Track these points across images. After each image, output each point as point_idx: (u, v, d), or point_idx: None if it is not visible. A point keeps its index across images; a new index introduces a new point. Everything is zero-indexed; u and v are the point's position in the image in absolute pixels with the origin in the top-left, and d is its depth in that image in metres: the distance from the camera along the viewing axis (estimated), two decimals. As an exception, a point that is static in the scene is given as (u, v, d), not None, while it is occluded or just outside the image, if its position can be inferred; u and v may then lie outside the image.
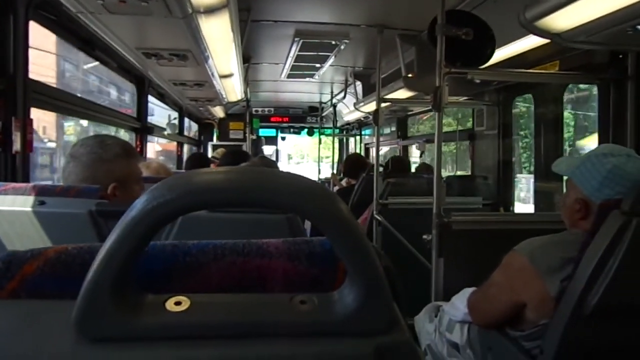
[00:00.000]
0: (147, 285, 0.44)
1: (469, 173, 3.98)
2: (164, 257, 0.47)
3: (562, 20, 1.74)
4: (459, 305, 1.67)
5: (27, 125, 1.86)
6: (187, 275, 0.46)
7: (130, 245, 0.39)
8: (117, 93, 5.43)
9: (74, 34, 2.45)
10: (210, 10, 1.93)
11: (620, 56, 2.21)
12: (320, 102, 7.08)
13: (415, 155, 6.14)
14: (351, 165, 4.37)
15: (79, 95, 2.66)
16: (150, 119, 3.97)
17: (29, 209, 1.16)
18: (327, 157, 8.49)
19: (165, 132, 4.66)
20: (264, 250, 0.48)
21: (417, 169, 4.54)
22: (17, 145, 1.81)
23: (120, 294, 0.40)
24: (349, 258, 0.41)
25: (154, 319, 0.40)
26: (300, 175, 0.43)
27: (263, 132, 8.28)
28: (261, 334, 0.41)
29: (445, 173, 4.65)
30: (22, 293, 0.45)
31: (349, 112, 6.63)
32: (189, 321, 0.40)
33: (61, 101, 2.35)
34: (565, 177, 1.57)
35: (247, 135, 6.37)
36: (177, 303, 0.41)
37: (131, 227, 0.38)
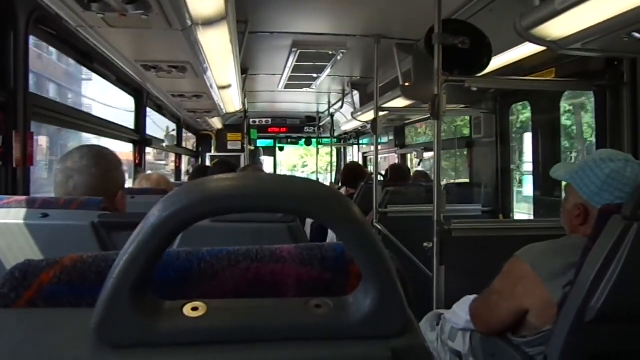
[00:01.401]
0: (164, 292, 0.45)
1: (467, 180, 3.99)
2: (179, 264, 0.47)
3: (557, 27, 1.76)
4: (460, 313, 1.66)
5: (27, 139, 1.86)
6: (202, 282, 0.47)
7: (149, 251, 0.39)
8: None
9: (74, 48, 2.46)
10: (209, 23, 1.94)
11: (616, 63, 2.24)
12: (318, 112, 7.11)
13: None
14: (349, 174, 4.37)
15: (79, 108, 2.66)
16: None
17: (32, 221, 1.16)
18: (306, 165, 8.53)
19: (164, 144, 4.67)
20: (277, 255, 0.48)
21: (412, 177, 4.56)
22: (17, 159, 1.82)
23: (139, 300, 0.40)
24: (364, 262, 0.42)
25: (173, 324, 0.41)
26: (314, 181, 0.44)
27: (261, 143, 8.30)
28: (278, 338, 0.41)
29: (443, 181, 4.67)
30: (39, 302, 0.45)
31: (346, 121, 6.66)
32: (206, 326, 0.41)
33: (61, 114, 2.36)
34: (564, 183, 1.58)
35: (245, 146, 6.38)
36: (194, 309, 0.42)
37: (151, 234, 0.39)
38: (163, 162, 6.91)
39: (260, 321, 0.41)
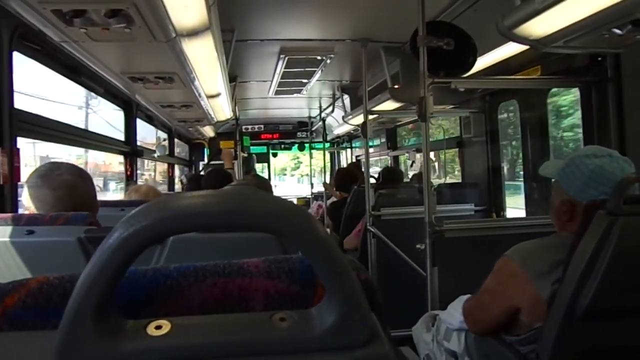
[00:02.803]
0: (129, 311, 0.45)
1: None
2: (145, 282, 0.47)
3: (539, 26, 1.77)
4: (455, 313, 1.67)
5: (14, 155, 1.86)
6: (168, 299, 0.47)
7: (109, 272, 0.39)
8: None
9: (59, 63, 2.46)
10: (194, 33, 1.95)
11: (600, 59, 2.25)
12: (310, 117, 7.12)
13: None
14: (342, 178, 4.37)
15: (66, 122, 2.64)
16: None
17: (17, 239, 1.16)
18: (298, 167, 8.50)
19: (156, 155, 4.66)
20: (244, 269, 0.48)
21: (412, 178, 4.59)
22: (4, 175, 1.81)
23: (101, 321, 0.40)
24: (326, 275, 0.42)
25: (135, 344, 0.41)
26: (275, 196, 0.44)
27: (254, 150, 8.30)
28: (242, 353, 0.41)
29: (439, 181, 4.69)
30: (4, 325, 0.45)
31: (338, 125, 6.67)
32: (170, 344, 0.41)
33: (48, 129, 2.35)
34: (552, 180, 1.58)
35: (237, 153, 6.37)
36: (158, 327, 0.42)
37: (109, 255, 0.39)
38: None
39: (224, 337, 0.41)
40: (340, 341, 0.42)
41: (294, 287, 0.48)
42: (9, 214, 1.21)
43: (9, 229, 1.16)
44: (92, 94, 3.41)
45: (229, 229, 0.44)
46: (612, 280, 1.21)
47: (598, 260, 1.21)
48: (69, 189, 1.35)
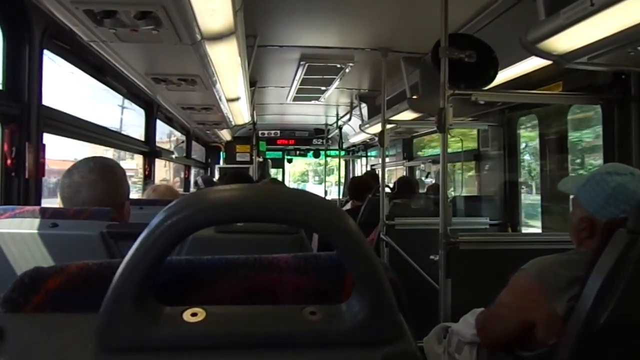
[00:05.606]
0: (164, 298, 0.46)
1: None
2: (180, 271, 0.49)
3: (563, 42, 1.77)
4: (467, 326, 1.66)
5: (40, 150, 1.90)
6: (201, 289, 0.49)
7: (151, 258, 0.41)
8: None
9: (86, 62, 2.51)
10: (219, 37, 1.98)
11: (623, 76, 2.23)
12: (326, 124, 7.15)
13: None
14: (356, 187, 4.38)
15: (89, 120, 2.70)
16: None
17: (42, 231, 1.18)
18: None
19: (173, 156, 4.72)
20: (275, 264, 0.50)
21: (428, 189, 4.58)
22: (30, 170, 1.85)
23: (141, 305, 0.42)
24: (357, 271, 0.43)
25: (172, 329, 0.42)
26: (310, 192, 0.45)
27: (269, 155, 8.36)
28: (273, 343, 0.43)
29: (455, 193, 4.67)
30: (46, 307, 0.47)
31: (354, 133, 6.68)
32: (205, 331, 0.42)
33: (72, 126, 2.40)
34: (571, 196, 1.57)
35: (253, 158, 6.42)
36: (194, 314, 0.43)
37: (152, 241, 0.41)
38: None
39: (257, 327, 0.43)
40: (369, 336, 0.43)
41: (322, 283, 0.49)
42: (37, 207, 1.24)
43: (35, 222, 1.19)
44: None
45: (260, 222, 0.45)
46: (630, 298, 1.20)
47: (617, 278, 1.20)
48: (73, 192, 1.35)
